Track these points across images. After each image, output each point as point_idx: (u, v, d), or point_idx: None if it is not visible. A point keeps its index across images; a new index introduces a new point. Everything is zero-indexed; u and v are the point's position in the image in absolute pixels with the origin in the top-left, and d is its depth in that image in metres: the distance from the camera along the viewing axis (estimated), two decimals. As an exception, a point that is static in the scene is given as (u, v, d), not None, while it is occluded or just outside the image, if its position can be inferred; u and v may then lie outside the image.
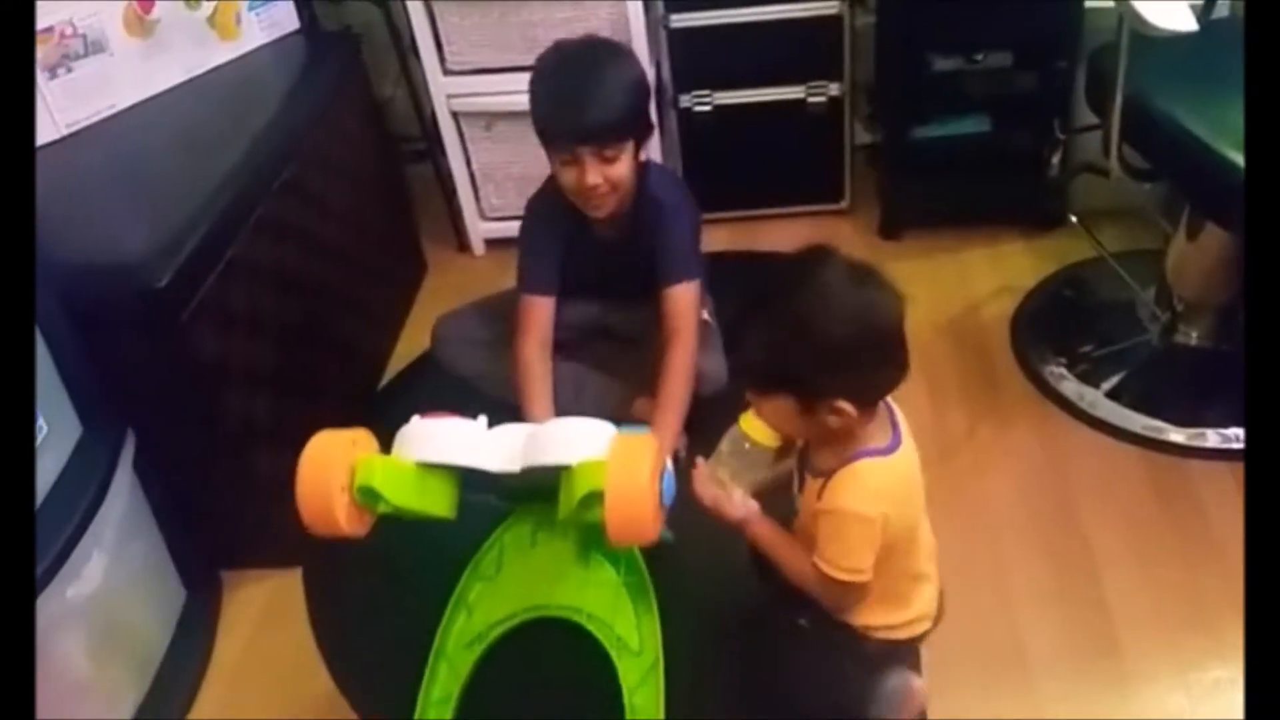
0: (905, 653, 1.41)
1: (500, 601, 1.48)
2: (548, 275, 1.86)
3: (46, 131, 1.90)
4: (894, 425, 1.31)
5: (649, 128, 1.75)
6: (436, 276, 2.64)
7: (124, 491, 1.60)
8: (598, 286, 1.91)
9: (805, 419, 1.25)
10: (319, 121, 2.13)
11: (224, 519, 1.84)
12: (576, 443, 1.30)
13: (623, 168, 1.67)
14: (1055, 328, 2.22)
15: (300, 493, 1.26)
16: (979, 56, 2.35)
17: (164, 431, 1.69)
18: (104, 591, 1.53)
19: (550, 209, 1.86)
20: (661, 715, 1.40)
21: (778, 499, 1.38)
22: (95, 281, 1.59)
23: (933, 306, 2.31)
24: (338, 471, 1.26)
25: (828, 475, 1.28)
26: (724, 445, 1.34)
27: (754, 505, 1.34)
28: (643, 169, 1.81)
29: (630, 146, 1.68)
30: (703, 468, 1.35)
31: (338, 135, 2.22)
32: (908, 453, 1.30)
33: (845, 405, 1.23)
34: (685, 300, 1.79)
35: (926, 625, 1.41)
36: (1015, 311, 2.28)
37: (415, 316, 2.49)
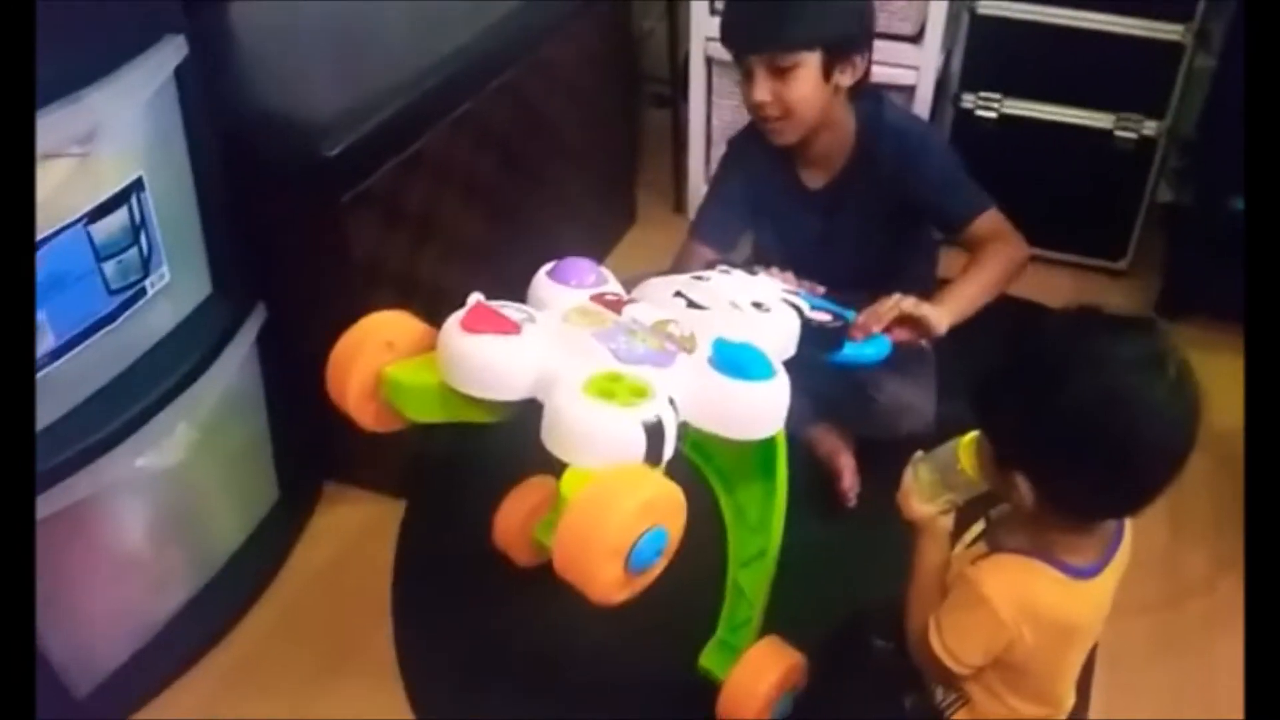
0: None
1: None
2: (722, 225, 1.65)
3: (274, -27, 1.78)
4: (1112, 548, 1.12)
5: (850, 48, 1.47)
6: (643, 231, 2.41)
7: (235, 367, 1.44)
8: (817, 264, 1.63)
9: (1000, 481, 1.09)
10: (560, 32, 1.92)
11: (341, 425, 1.66)
12: (578, 436, 1.02)
13: (800, 89, 1.44)
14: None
15: (329, 385, 1.20)
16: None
17: (298, 314, 1.52)
18: (182, 469, 1.38)
19: (748, 146, 1.63)
20: (762, 603, 1.31)
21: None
22: (263, 134, 1.43)
23: (1200, 412, 1.90)
24: (355, 380, 1.17)
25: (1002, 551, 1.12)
26: (940, 451, 1.19)
27: (944, 522, 1.18)
28: (871, 103, 1.55)
29: (813, 63, 1.44)
30: (918, 455, 1.21)
31: (577, 52, 2.01)
32: (1101, 585, 1.11)
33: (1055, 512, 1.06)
34: (999, 225, 1.54)
35: None
36: (1302, 445, 1.86)
37: (608, 267, 2.26)
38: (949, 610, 1.11)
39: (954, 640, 1.09)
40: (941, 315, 1.41)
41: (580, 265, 1.27)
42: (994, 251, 1.51)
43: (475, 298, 1.15)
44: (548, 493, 1.47)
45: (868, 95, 1.57)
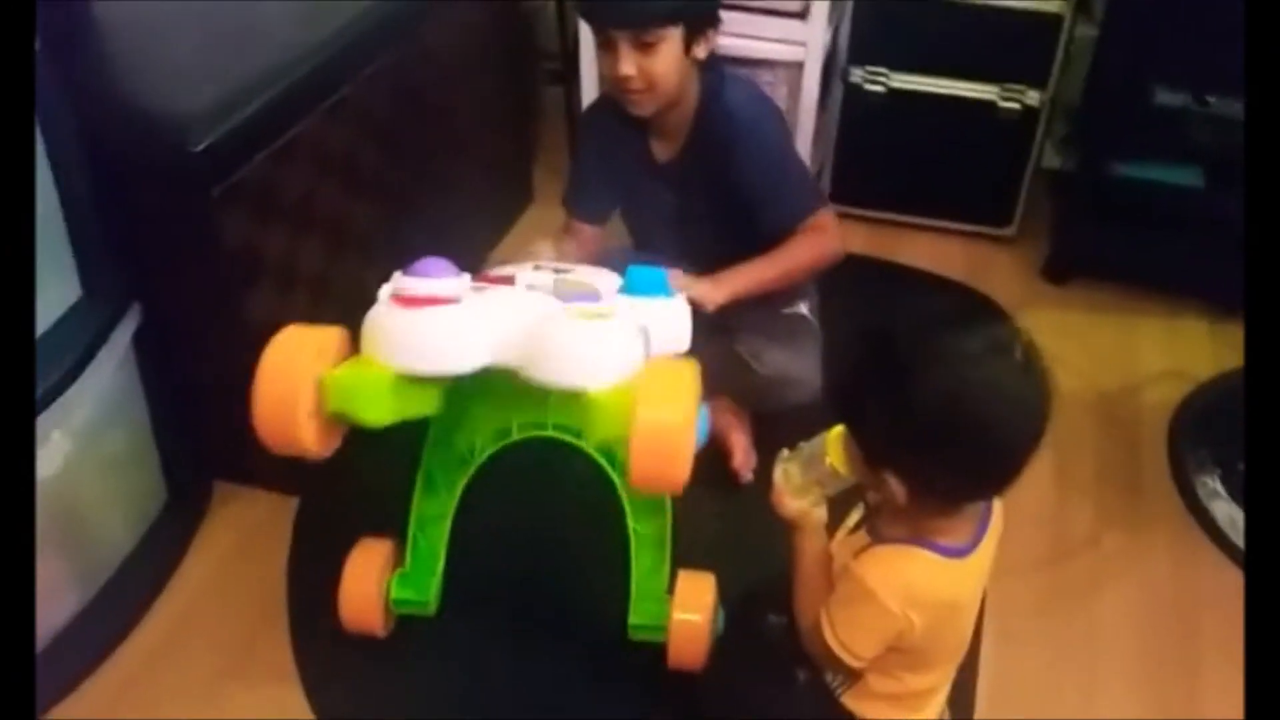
0: None
1: (491, 418, 1.35)
2: (592, 198, 1.68)
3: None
4: (983, 523, 1.13)
5: (708, 19, 1.51)
6: (541, 210, 2.39)
7: (110, 371, 1.40)
8: (674, 238, 1.66)
9: (871, 476, 1.10)
10: (443, 12, 1.89)
11: (228, 423, 1.61)
12: (595, 357, 1.14)
13: (664, 62, 1.47)
14: (1223, 434, 1.84)
15: (259, 414, 1.13)
16: (1210, 99, 1.99)
17: (175, 314, 1.49)
18: (59, 479, 1.34)
19: (603, 121, 1.64)
20: (667, 546, 1.37)
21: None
22: (127, 130, 1.39)
23: (1084, 373, 1.96)
24: (303, 392, 1.11)
25: (882, 543, 1.14)
26: (805, 446, 1.19)
27: (818, 515, 1.19)
28: (712, 77, 1.57)
29: (675, 37, 1.47)
30: (784, 454, 1.21)
31: (463, 32, 1.98)
32: (978, 560, 1.13)
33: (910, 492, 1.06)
34: (819, 221, 1.57)
35: None
36: (1181, 402, 1.92)
37: (506, 246, 2.25)
38: (838, 605, 1.13)
39: (847, 635, 1.11)
40: (711, 293, 1.46)
41: (440, 263, 1.24)
42: (802, 240, 1.55)
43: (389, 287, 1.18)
44: (384, 552, 1.42)
45: (711, 68, 1.56)
